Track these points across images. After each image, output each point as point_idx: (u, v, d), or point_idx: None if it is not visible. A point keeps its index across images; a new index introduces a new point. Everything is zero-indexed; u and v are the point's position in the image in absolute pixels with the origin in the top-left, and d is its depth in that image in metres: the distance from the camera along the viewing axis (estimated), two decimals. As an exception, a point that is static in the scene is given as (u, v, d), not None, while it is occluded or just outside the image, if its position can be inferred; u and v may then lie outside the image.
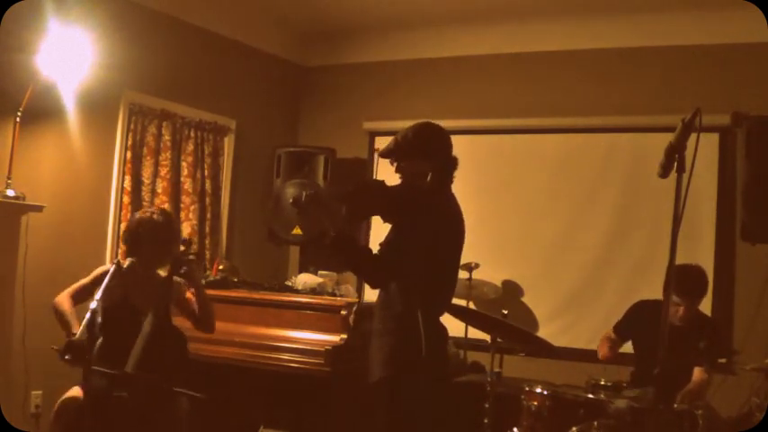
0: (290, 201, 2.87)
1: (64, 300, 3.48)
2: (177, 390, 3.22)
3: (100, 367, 3.16)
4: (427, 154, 3.13)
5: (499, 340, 3.51)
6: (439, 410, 3.06)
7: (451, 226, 3.15)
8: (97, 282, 3.24)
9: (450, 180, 3.18)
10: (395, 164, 3.17)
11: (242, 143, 5.82)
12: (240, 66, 5.84)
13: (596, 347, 4.16)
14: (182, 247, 3.55)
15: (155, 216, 3.61)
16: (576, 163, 5.41)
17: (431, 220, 3.04)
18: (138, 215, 3.67)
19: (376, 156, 3.25)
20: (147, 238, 3.56)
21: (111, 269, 3.23)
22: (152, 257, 3.61)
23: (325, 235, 3.13)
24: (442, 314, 3.17)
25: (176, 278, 3.60)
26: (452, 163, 3.17)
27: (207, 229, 5.49)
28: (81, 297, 3.50)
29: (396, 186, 3.14)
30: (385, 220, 3.14)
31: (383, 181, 3.13)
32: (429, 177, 3.11)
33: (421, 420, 2.97)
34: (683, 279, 3.77)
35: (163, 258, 3.65)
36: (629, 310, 4.20)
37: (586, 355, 4.73)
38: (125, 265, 3.41)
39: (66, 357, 2.98)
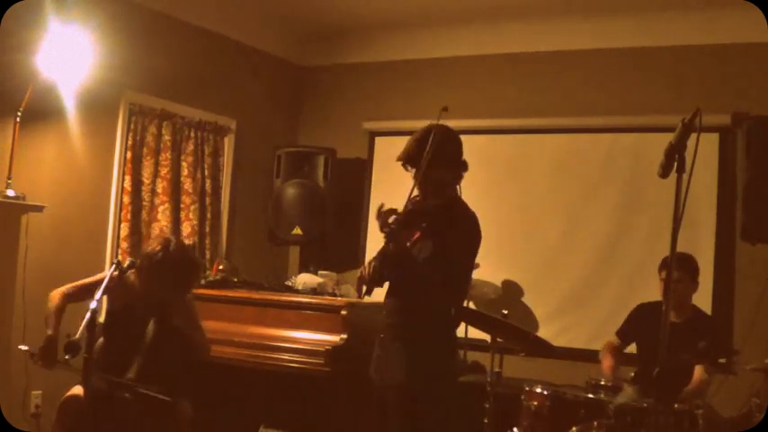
0: (385, 231, 2.89)
1: (55, 296, 3.43)
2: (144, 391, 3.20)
3: (100, 369, 3.17)
4: (451, 163, 3.13)
5: (499, 340, 3.51)
6: (451, 415, 3.09)
7: (478, 231, 3.17)
8: (98, 283, 3.22)
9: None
10: (413, 170, 3.10)
11: (242, 143, 5.82)
12: (240, 66, 5.84)
13: (599, 350, 4.17)
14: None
15: (172, 250, 3.40)
16: (575, 163, 5.40)
17: (466, 229, 3.10)
18: (157, 248, 3.41)
19: (390, 160, 3.26)
20: (165, 273, 3.39)
21: (111, 269, 3.23)
22: (167, 291, 3.51)
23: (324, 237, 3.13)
24: (459, 321, 3.26)
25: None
26: (465, 167, 3.19)
27: (207, 229, 5.49)
28: (77, 296, 3.45)
29: (432, 201, 3.14)
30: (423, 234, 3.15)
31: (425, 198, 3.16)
32: (452, 185, 3.14)
33: (435, 425, 3.00)
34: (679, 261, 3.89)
35: (177, 293, 3.58)
36: (630, 313, 4.21)
37: (586, 355, 4.73)
38: (125, 265, 3.40)
39: (67, 357, 2.99)
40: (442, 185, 3.14)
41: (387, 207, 3.00)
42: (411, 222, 3.05)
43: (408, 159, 3.11)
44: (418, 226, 3.11)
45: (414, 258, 3.03)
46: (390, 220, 2.93)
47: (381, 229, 2.92)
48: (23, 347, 3.16)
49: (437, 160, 3.04)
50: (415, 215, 3.06)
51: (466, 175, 3.22)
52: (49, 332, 3.26)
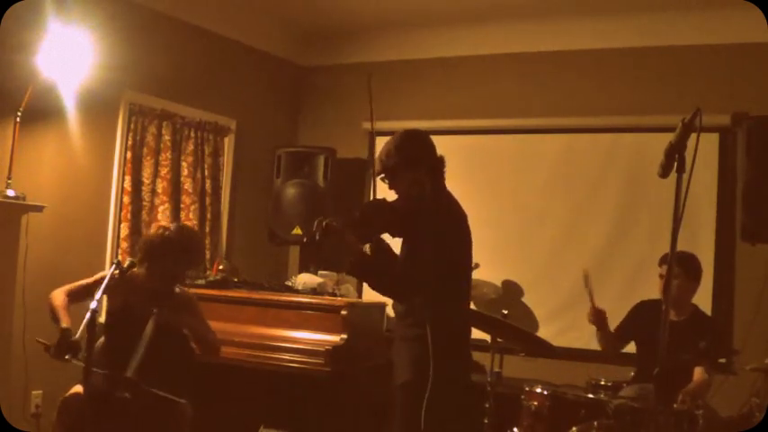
0: (304, 240, 2.96)
1: (59, 294, 3.45)
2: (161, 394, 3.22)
3: (101, 368, 3.17)
4: (413, 164, 3.18)
5: (499, 340, 3.52)
6: (452, 416, 3.11)
7: (458, 226, 3.20)
8: (98, 284, 3.24)
9: (443, 179, 3.23)
10: (386, 181, 3.22)
11: (242, 143, 5.82)
12: (240, 66, 5.84)
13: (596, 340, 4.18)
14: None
15: (172, 233, 3.59)
16: (576, 163, 5.41)
17: (438, 226, 3.10)
18: (159, 230, 3.64)
19: (377, 168, 3.32)
20: (161, 253, 3.55)
21: (111, 269, 3.23)
22: (165, 273, 3.60)
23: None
24: (466, 315, 3.27)
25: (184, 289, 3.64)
26: (440, 164, 3.23)
27: (207, 229, 5.49)
28: (78, 296, 3.47)
29: (397, 201, 3.21)
30: (393, 236, 3.21)
31: (385, 199, 3.22)
32: (424, 184, 3.17)
33: (441, 424, 3.02)
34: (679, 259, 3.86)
35: (177, 276, 3.65)
36: (630, 310, 4.20)
37: (586, 355, 4.73)
38: (125, 265, 3.40)
39: (67, 357, 2.99)
40: (407, 186, 3.19)
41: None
42: (370, 223, 3.13)
43: (376, 173, 3.26)
44: (381, 227, 3.17)
45: (366, 258, 3.10)
46: (323, 224, 3.04)
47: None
48: (42, 341, 3.15)
49: (398, 166, 3.16)
50: (371, 213, 3.14)
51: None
52: (64, 325, 3.27)
